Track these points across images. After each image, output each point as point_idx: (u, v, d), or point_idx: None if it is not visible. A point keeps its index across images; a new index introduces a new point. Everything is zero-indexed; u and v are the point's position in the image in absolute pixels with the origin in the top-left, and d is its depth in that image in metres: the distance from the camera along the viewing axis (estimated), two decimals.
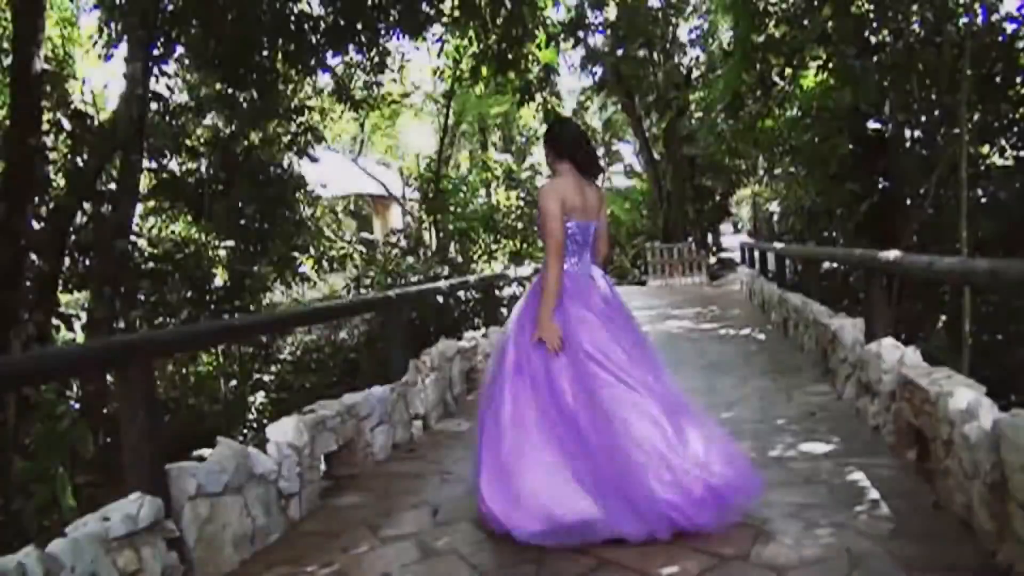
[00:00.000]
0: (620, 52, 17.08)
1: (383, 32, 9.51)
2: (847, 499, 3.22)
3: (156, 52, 8.14)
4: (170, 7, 8.06)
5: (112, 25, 7.99)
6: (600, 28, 15.24)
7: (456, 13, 9.37)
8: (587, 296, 3.24)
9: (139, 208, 10.61)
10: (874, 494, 3.25)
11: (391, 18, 9.05)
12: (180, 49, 8.97)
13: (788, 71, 10.36)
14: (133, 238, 9.24)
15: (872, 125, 9.22)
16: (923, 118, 8.49)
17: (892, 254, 4.47)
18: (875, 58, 7.85)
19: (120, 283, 6.15)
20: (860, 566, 2.59)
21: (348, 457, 4.17)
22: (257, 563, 3.07)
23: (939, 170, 7.40)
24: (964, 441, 2.75)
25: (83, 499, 4.83)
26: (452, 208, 13.59)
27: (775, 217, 16.62)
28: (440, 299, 9.49)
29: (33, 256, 6.31)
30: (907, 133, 8.80)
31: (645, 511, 2.84)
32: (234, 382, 9.58)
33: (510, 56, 8.91)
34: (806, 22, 8.86)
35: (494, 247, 13.69)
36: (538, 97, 9.35)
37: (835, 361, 5.42)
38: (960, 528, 2.80)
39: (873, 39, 8.61)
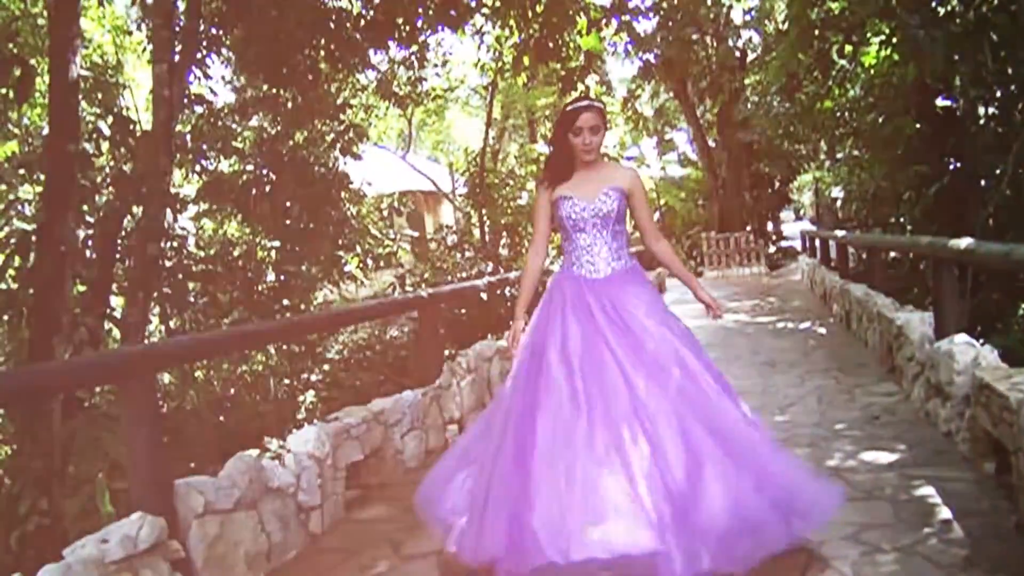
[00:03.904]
0: (670, 37, 16.51)
1: (423, 26, 9.38)
2: (914, 518, 2.89)
3: (199, 55, 8.21)
4: (214, 6, 8.10)
5: None
6: (645, 13, 14.71)
7: (496, 3, 9.16)
8: None
9: (192, 210, 10.79)
10: (945, 513, 2.92)
11: (430, 11, 8.91)
12: (223, 51, 9.06)
13: (848, 48, 9.78)
14: (186, 240, 9.38)
15: (941, 102, 8.58)
16: (998, 92, 7.84)
17: (964, 242, 4.06)
18: (943, 29, 7.27)
19: (153, 287, 6.14)
20: None
21: (377, 466, 4.02)
22: None
23: (1017, 147, 6.81)
24: None
25: (120, 505, 4.87)
26: (499, 202, 13.35)
27: (838, 203, 15.92)
28: (484, 296, 9.30)
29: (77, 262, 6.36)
30: (980, 109, 8.16)
31: None
32: (286, 380, 9.62)
33: (550, 45, 8.63)
34: None
35: None
36: (580, 86, 9.03)
37: (901, 359, 5.01)
38: None
39: (941, 9, 8.00)
